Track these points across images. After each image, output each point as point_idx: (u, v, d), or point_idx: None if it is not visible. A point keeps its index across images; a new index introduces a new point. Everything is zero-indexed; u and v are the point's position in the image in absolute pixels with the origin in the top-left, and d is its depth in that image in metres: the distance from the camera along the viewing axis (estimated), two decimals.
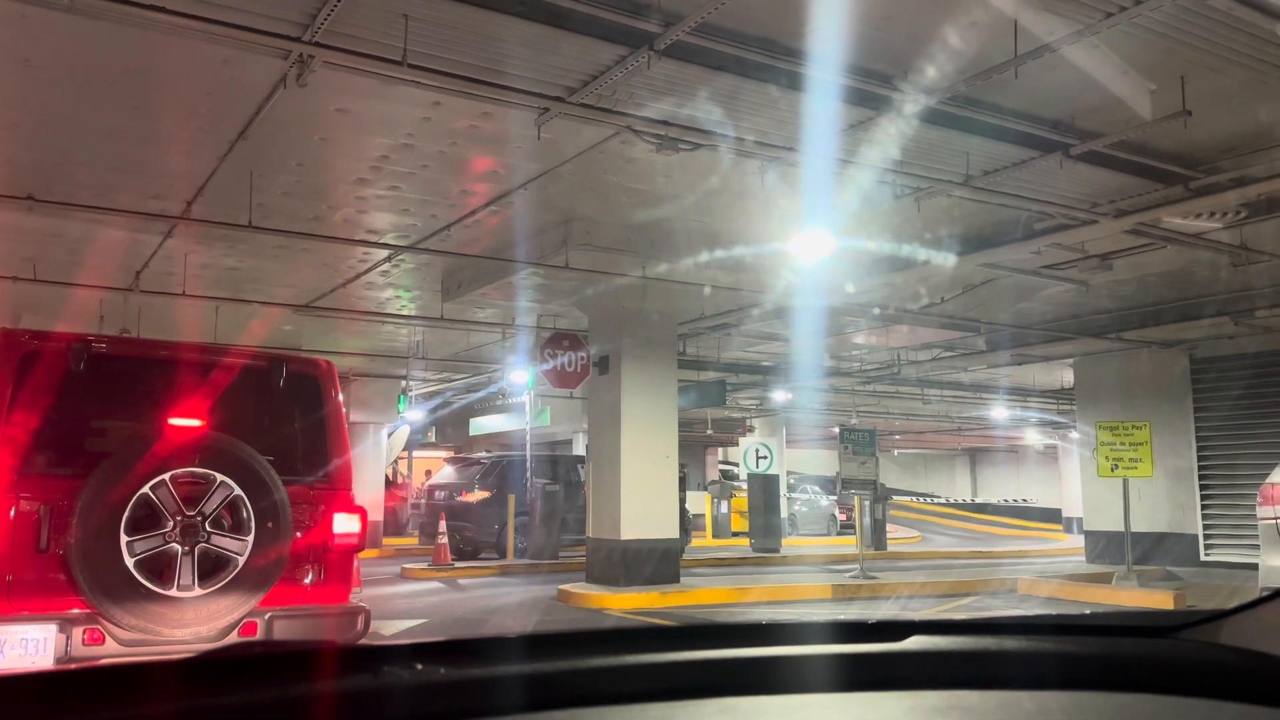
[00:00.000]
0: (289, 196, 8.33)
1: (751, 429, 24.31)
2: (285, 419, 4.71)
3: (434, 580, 13.10)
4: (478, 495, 16.01)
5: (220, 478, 4.11)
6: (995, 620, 1.13)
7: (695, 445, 28.18)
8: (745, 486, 19.92)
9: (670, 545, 11.03)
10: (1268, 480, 7.40)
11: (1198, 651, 1.08)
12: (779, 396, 19.57)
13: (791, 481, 24.66)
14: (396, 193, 8.28)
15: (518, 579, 13.26)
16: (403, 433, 22.52)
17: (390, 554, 16.88)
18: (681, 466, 12.13)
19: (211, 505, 4.09)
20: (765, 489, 18.35)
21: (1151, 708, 0.95)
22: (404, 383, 18.42)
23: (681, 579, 11.12)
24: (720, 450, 30.65)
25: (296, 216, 8.80)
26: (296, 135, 7.06)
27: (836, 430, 15.18)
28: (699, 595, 10.61)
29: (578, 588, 10.56)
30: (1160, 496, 13.76)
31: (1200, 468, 13.80)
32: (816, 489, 25.48)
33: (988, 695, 0.95)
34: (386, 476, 21.15)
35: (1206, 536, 13.69)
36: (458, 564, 14.22)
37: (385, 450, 20.13)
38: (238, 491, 4.13)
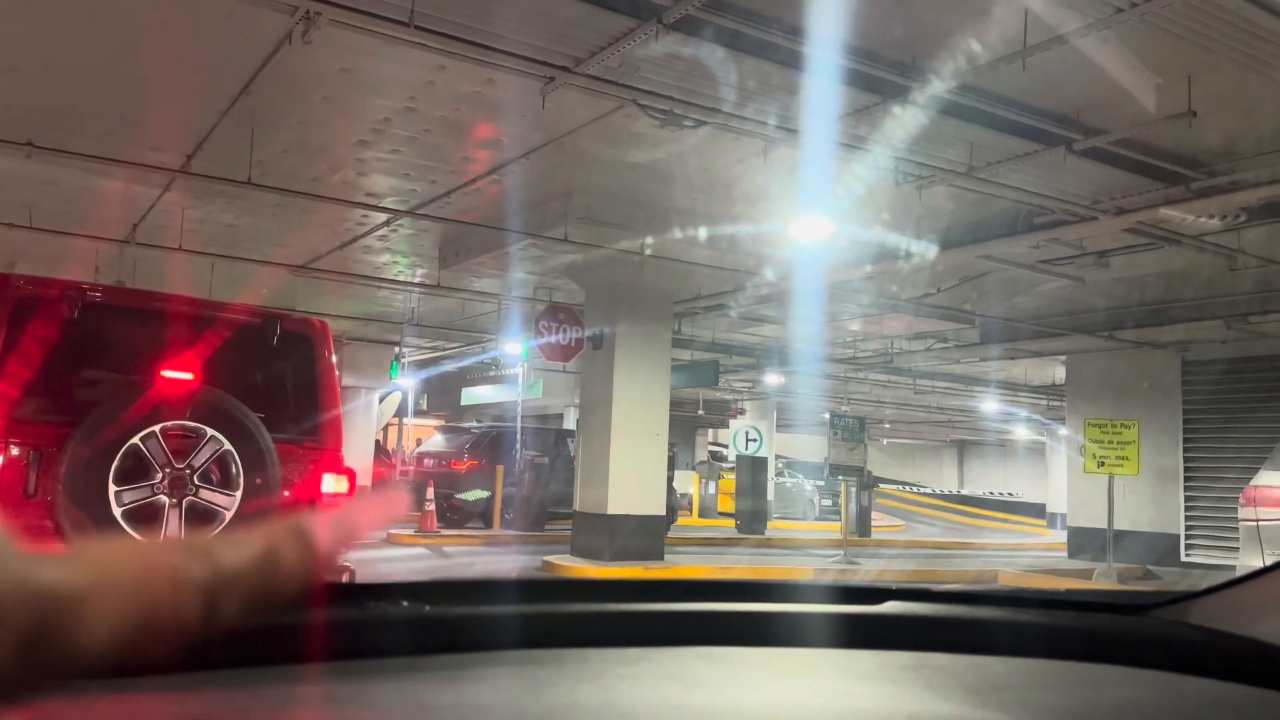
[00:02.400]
0: (289, 155, 8.29)
1: (743, 411, 24.36)
2: (277, 376, 4.73)
3: (419, 546, 13.15)
4: (466, 464, 16.05)
5: (211, 432, 4.13)
6: (970, 591, 1.16)
7: (686, 425, 28.22)
8: (733, 468, 19.99)
9: (656, 522, 11.09)
10: (1251, 483, 7.49)
11: (1165, 629, 1.11)
12: (771, 380, 19.60)
13: (779, 466, 24.71)
14: (397, 156, 8.24)
15: (503, 549, 13.32)
16: (394, 398, 22.49)
17: None
18: (671, 445, 12.17)
19: (201, 459, 4.11)
20: (753, 471, 18.42)
21: (1116, 677, 0.98)
22: (397, 349, 18.40)
23: (666, 556, 11.19)
24: (710, 431, 30.70)
25: (296, 176, 8.76)
26: (299, 93, 7.02)
27: (827, 416, 15.23)
28: (682, 573, 10.67)
29: (562, 559, 10.62)
30: (1144, 496, 13.84)
31: (1186, 469, 13.87)
32: (799, 476, 25.52)
33: (958, 658, 0.98)
34: (377, 441, 21.13)
35: (1188, 537, 13.79)
36: (444, 531, 14.28)
37: (376, 415, 20.12)
38: (227, 446, 4.15)
